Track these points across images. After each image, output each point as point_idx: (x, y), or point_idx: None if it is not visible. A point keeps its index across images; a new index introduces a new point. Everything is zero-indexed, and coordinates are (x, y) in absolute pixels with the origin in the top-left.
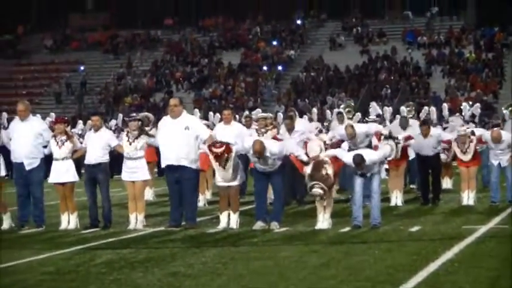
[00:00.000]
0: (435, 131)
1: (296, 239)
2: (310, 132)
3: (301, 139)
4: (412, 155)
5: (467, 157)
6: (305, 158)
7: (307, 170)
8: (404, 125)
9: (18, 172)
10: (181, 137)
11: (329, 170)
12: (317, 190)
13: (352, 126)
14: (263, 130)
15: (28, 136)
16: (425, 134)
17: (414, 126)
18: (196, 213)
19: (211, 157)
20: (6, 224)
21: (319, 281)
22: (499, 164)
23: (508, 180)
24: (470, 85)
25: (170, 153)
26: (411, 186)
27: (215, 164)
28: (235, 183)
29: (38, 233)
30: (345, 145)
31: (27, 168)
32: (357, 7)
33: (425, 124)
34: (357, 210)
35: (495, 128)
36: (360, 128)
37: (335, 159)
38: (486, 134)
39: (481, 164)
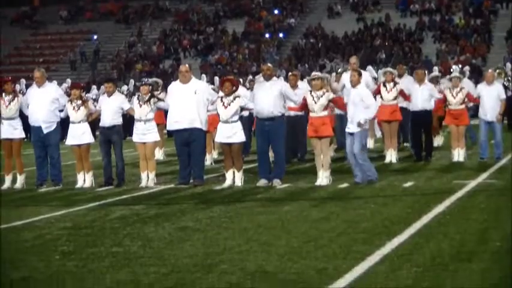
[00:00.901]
0: (428, 84)
1: (297, 195)
2: None
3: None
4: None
5: (456, 101)
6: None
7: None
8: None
9: (36, 135)
10: (192, 100)
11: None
12: None
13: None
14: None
15: (45, 101)
16: (420, 80)
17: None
18: (204, 171)
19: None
20: (20, 184)
21: (319, 233)
22: (487, 122)
23: (496, 137)
24: (460, 49)
25: (182, 116)
26: (405, 144)
27: (219, 101)
28: (236, 140)
29: (55, 191)
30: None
31: (45, 131)
32: None
33: (421, 68)
34: (354, 168)
35: (489, 70)
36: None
37: (331, 120)
38: (477, 88)
39: (469, 123)
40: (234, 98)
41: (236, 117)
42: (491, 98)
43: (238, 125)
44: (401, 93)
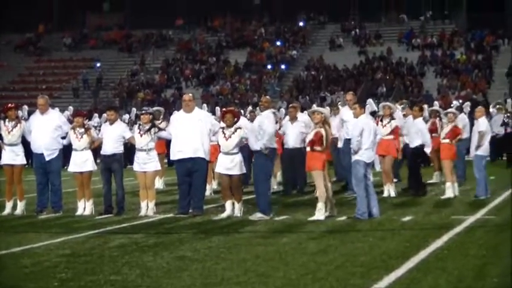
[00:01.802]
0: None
1: (295, 227)
2: (309, 127)
3: (302, 131)
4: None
5: (443, 132)
6: None
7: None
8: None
9: (38, 162)
10: (196, 129)
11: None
12: None
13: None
14: (231, 129)
15: (48, 129)
16: (415, 116)
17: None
18: (204, 201)
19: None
20: (20, 211)
21: (317, 266)
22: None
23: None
24: (461, 84)
25: (186, 145)
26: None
27: (221, 132)
28: (236, 172)
29: (55, 218)
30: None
31: (47, 158)
32: (355, 10)
33: (417, 105)
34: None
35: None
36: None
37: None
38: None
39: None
40: (235, 130)
41: (237, 149)
42: (474, 133)
43: (239, 157)
44: (395, 129)
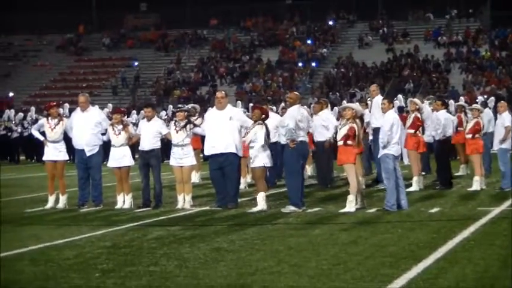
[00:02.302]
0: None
1: (327, 219)
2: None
3: (323, 124)
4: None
5: (468, 127)
6: None
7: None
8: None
9: (80, 157)
10: (227, 126)
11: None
12: None
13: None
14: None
15: (88, 125)
16: (436, 109)
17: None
18: (238, 195)
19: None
20: (62, 204)
21: (348, 256)
22: (505, 149)
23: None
24: (486, 80)
25: (217, 141)
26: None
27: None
28: (259, 164)
29: (96, 212)
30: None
31: (88, 154)
32: (383, 9)
33: (440, 99)
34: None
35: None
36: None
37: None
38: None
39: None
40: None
41: (252, 144)
42: (497, 127)
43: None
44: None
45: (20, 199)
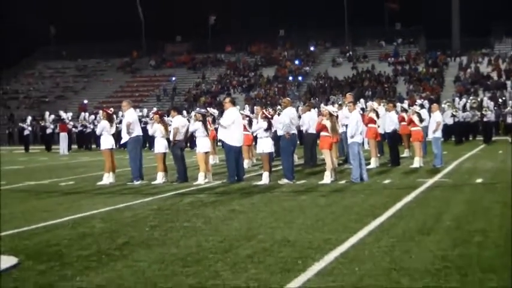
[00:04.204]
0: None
1: (311, 188)
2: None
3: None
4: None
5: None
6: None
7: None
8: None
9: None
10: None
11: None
12: None
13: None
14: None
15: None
16: (389, 110)
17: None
18: (244, 172)
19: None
20: (106, 181)
21: (325, 215)
22: (437, 138)
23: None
24: (423, 89)
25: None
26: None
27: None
28: (266, 150)
29: (143, 185)
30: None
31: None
32: (349, 39)
33: (391, 102)
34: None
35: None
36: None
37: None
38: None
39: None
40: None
41: (259, 135)
42: (431, 122)
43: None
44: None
45: (92, 176)
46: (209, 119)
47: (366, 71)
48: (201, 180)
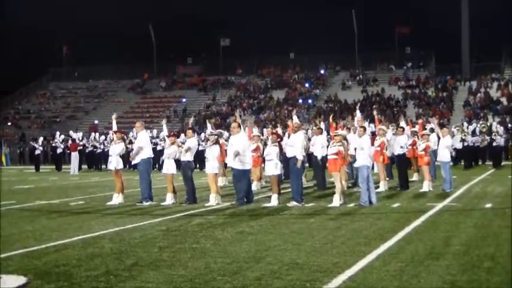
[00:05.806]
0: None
1: (320, 211)
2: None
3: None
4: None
5: (421, 147)
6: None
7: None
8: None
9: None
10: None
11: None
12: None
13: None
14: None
15: (137, 143)
16: (398, 134)
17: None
18: (253, 194)
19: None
20: (116, 202)
21: (334, 238)
22: (446, 162)
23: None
24: (432, 113)
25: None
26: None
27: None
28: (275, 173)
29: (152, 206)
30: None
31: (136, 162)
32: (359, 62)
33: (400, 127)
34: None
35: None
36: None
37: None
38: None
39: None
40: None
41: (268, 158)
42: (440, 146)
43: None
44: (381, 144)
45: (102, 196)
46: (222, 140)
47: (376, 95)
48: (213, 201)
